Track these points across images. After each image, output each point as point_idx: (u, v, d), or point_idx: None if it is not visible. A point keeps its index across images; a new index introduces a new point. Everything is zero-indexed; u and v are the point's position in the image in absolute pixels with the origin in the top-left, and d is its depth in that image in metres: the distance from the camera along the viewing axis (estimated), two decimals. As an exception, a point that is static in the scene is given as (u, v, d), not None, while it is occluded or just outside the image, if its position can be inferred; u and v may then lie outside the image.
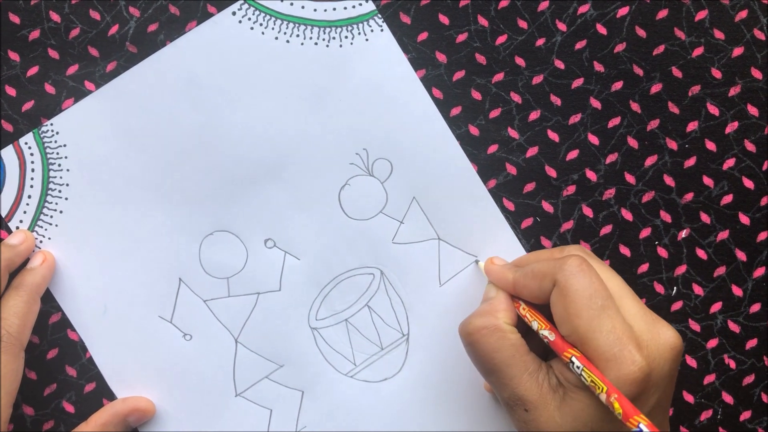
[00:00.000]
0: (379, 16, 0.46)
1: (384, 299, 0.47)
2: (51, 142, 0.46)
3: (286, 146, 0.46)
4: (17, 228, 0.46)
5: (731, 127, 0.47)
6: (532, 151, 0.47)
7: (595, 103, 0.47)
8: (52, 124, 0.46)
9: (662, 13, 0.47)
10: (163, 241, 0.46)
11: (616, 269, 0.42)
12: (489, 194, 0.47)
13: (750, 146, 0.47)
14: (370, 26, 0.46)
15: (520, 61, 0.47)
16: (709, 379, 0.47)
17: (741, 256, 0.47)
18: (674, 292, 0.47)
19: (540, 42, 0.47)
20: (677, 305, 0.47)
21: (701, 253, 0.47)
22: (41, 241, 0.46)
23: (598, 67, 0.47)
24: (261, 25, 0.46)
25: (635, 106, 0.47)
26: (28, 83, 0.46)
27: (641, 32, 0.47)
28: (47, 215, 0.46)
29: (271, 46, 0.46)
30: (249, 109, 0.46)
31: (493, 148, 0.47)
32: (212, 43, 0.46)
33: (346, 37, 0.46)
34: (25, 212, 0.46)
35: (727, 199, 0.47)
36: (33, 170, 0.46)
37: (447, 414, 0.47)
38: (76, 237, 0.46)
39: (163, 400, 0.46)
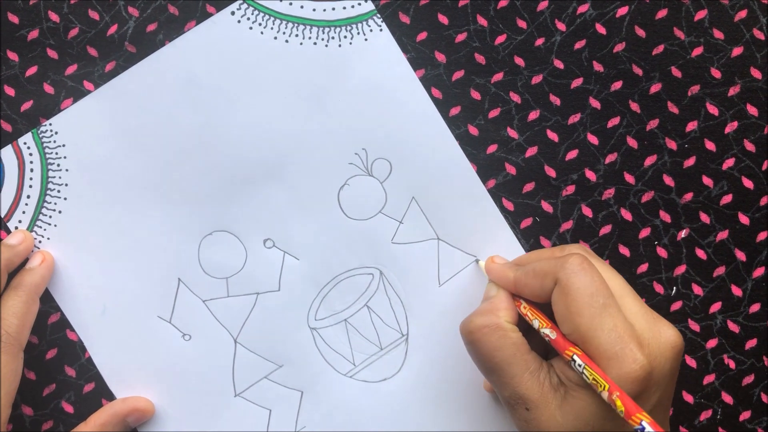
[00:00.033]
0: (378, 15, 0.46)
1: (383, 299, 0.47)
2: (50, 142, 0.46)
3: (285, 146, 0.46)
4: (16, 228, 0.46)
5: (731, 127, 0.47)
6: (531, 151, 0.47)
7: (595, 103, 0.47)
8: (51, 124, 0.46)
9: (662, 13, 0.47)
10: (162, 241, 0.46)
11: (615, 269, 0.41)
12: (488, 194, 0.47)
13: (749, 146, 0.47)
14: (369, 26, 0.46)
15: (519, 61, 0.47)
16: (709, 379, 0.47)
17: (740, 256, 0.47)
18: (674, 292, 0.47)
19: (539, 42, 0.47)
20: (677, 305, 0.47)
21: (701, 253, 0.47)
22: (40, 241, 0.46)
23: (598, 66, 0.47)
24: (260, 24, 0.46)
25: (635, 106, 0.47)
26: (27, 83, 0.46)
27: (641, 32, 0.47)
28: (46, 215, 0.46)
29: (270, 46, 0.46)
30: (248, 109, 0.46)
31: (492, 148, 0.47)
32: (211, 43, 0.46)
33: (345, 36, 0.46)
34: (24, 212, 0.46)
35: (727, 199, 0.47)
36: (32, 170, 0.46)
37: (446, 414, 0.47)
38: (75, 237, 0.46)
39: (163, 401, 0.46)
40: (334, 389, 0.47)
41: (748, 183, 0.47)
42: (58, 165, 0.46)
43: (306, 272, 0.47)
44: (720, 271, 0.47)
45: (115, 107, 0.46)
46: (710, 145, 0.47)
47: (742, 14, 0.47)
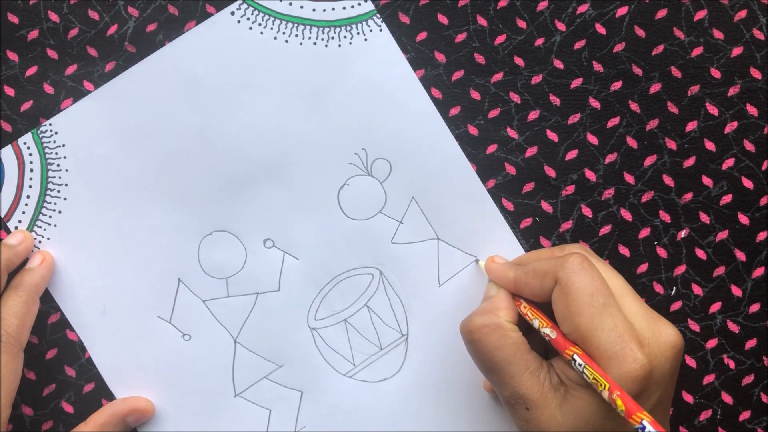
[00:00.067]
0: (378, 15, 0.46)
1: (383, 299, 0.47)
2: (50, 142, 0.46)
3: (285, 146, 0.46)
4: (16, 228, 0.46)
5: (730, 127, 0.47)
6: (531, 151, 0.47)
7: (594, 103, 0.47)
8: (50, 124, 0.46)
9: (661, 13, 0.47)
10: (162, 242, 0.46)
11: (615, 269, 0.41)
12: (488, 194, 0.47)
13: (749, 146, 0.47)
14: (369, 26, 0.46)
15: (519, 61, 0.47)
16: (709, 379, 0.47)
17: (740, 256, 0.47)
18: (673, 292, 0.47)
19: (539, 42, 0.47)
20: (676, 305, 0.47)
21: (700, 253, 0.47)
22: (40, 241, 0.46)
23: (597, 66, 0.47)
24: (260, 25, 0.46)
25: (634, 106, 0.47)
26: (27, 83, 0.46)
27: (640, 32, 0.47)
28: (46, 215, 0.46)
29: (270, 46, 0.46)
30: (248, 109, 0.46)
31: (492, 148, 0.47)
32: (211, 43, 0.46)
33: (345, 37, 0.46)
34: (24, 212, 0.46)
35: (727, 199, 0.47)
36: (32, 170, 0.46)
37: (446, 414, 0.47)
38: (75, 237, 0.46)
39: (162, 401, 0.46)
40: (334, 389, 0.47)
41: (747, 183, 0.47)
42: (58, 165, 0.46)
43: (306, 272, 0.47)
44: (720, 271, 0.47)
45: (115, 107, 0.46)
46: (710, 145, 0.47)
47: (742, 14, 0.47)
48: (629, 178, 0.47)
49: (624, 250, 0.47)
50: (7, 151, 0.46)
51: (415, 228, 0.47)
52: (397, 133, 0.46)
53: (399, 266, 0.47)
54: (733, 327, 0.47)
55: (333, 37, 0.46)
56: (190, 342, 0.46)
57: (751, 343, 0.47)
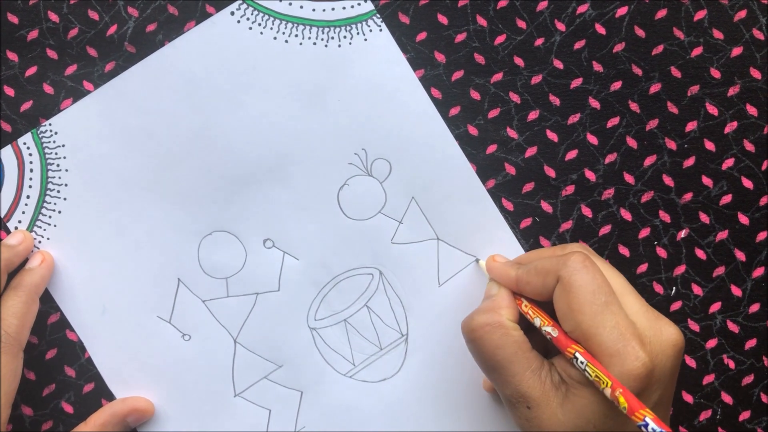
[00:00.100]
0: (378, 16, 0.46)
1: (383, 299, 0.47)
2: (49, 142, 0.46)
3: (284, 146, 0.46)
4: (16, 228, 0.46)
5: (730, 127, 0.47)
6: (531, 151, 0.47)
7: (594, 103, 0.47)
8: (50, 125, 0.46)
9: (661, 13, 0.47)
10: (162, 242, 0.46)
11: (615, 268, 0.42)
12: (488, 194, 0.47)
13: (749, 146, 0.47)
14: (369, 26, 0.46)
15: (518, 61, 0.47)
16: (709, 379, 0.47)
17: (740, 256, 0.47)
18: (673, 292, 0.47)
19: (539, 42, 0.47)
20: (676, 305, 0.47)
21: (700, 253, 0.47)
22: (40, 242, 0.46)
23: (597, 66, 0.47)
24: (260, 25, 0.46)
25: (634, 106, 0.47)
26: (27, 83, 0.46)
27: (640, 32, 0.47)
28: (46, 215, 0.46)
29: (270, 46, 0.46)
30: (248, 109, 0.46)
31: (492, 148, 0.47)
32: (211, 43, 0.46)
33: (345, 37, 0.46)
34: (23, 212, 0.46)
35: (726, 199, 0.47)
36: (32, 170, 0.46)
37: (446, 414, 0.47)
38: (75, 237, 0.46)
39: (162, 401, 0.46)
40: (333, 389, 0.47)
41: (747, 183, 0.47)
42: (58, 165, 0.46)
43: (306, 272, 0.47)
44: (720, 271, 0.47)
45: (115, 107, 0.46)
46: (710, 145, 0.47)
47: (742, 14, 0.47)
48: (629, 178, 0.47)
49: (624, 250, 0.47)
50: (7, 152, 0.46)
51: (414, 228, 0.47)
52: (397, 133, 0.46)
53: (399, 266, 0.47)
54: (732, 327, 0.47)
55: (333, 37, 0.46)
56: (190, 342, 0.46)
57: (750, 343, 0.47)
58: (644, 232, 0.47)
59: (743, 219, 0.47)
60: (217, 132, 0.46)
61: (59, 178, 0.46)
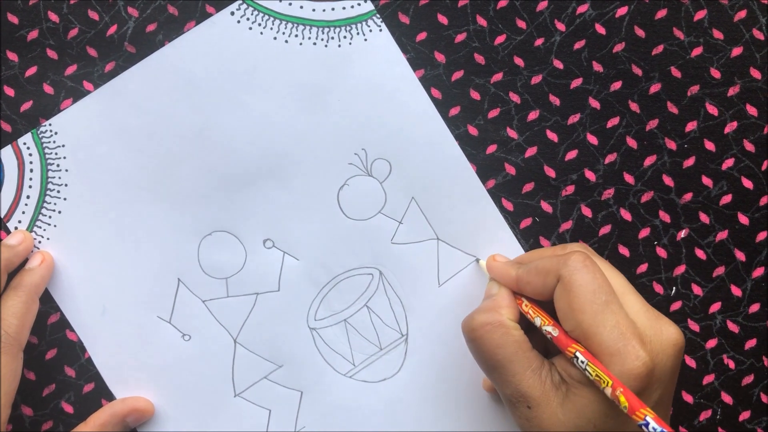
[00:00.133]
0: (378, 16, 0.46)
1: (383, 299, 0.47)
2: (49, 142, 0.46)
3: (284, 146, 0.46)
4: (16, 228, 0.46)
5: (730, 127, 0.47)
6: (531, 151, 0.47)
7: (594, 103, 0.47)
8: (50, 125, 0.46)
9: (661, 13, 0.47)
10: (162, 242, 0.46)
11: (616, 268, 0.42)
12: (488, 194, 0.47)
13: (749, 146, 0.47)
14: (369, 26, 0.46)
15: (518, 61, 0.47)
16: (708, 379, 0.47)
17: (740, 256, 0.47)
18: (673, 292, 0.47)
19: (539, 42, 0.47)
20: (676, 305, 0.47)
21: (700, 253, 0.47)
22: (40, 242, 0.46)
23: (597, 67, 0.47)
24: (260, 25, 0.46)
25: (634, 106, 0.47)
26: (27, 83, 0.46)
27: (640, 32, 0.47)
28: (46, 215, 0.46)
29: (270, 46, 0.46)
30: (248, 109, 0.46)
31: (491, 148, 0.47)
32: (211, 44, 0.46)
33: (345, 37, 0.46)
34: (23, 212, 0.46)
35: (726, 199, 0.47)
36: (32, 170, 0.46)
37: (446, 414, 0.47)
38: (75, 237, 0.46)
39: (162, 401, 0.46)
40: (333, 389, 0.47)
41: (747, 183, 0.47)
42: (58, 165, 0.46)
43: (306, 272, 0.47)
44: (719, 271, 0.47)
45: (115, 107, 0.46)
46: (710, 145, 0.47)
47: (742, 14, 0.47)
48: (629, 178, 0.47)
49: (624, 250, 0.47)
50: (7, 152, 0.46)
51: (414, 228, 0.47)
52: (397, 133, 0.46)
53: (399, 266, 0.47)
54: (732, 327, 0.47)
55: (333, 37, 0.46)
56: (189, 342, 0.46)
57: (750, 343, 0.47)
58: (644, 232, 0.47)
59: (743, 219, 0.47)
60: (217, 132, 0.46)
61: (59, 178, 0.46)
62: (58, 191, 0.46)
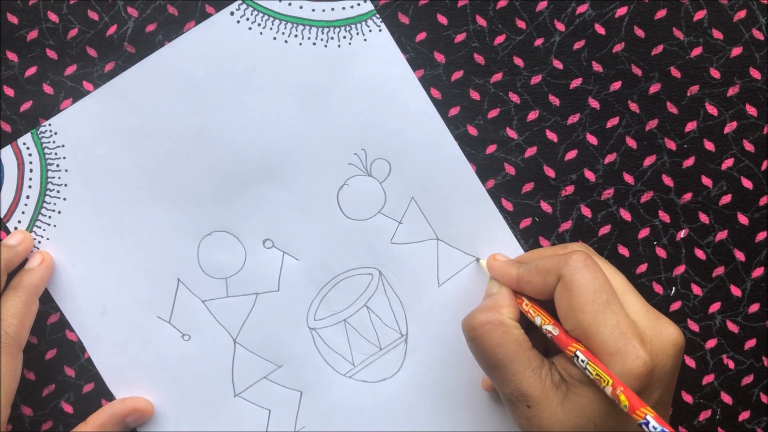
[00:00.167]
0: (378, 16, 0.46)
1: (382, 299, 0.47)
2: (49, 142, 0.46)
3: (284, 146, 0.46)
4: (15, 228, 0.46)
5: (730, 127, 0.47)
6: (530, 151, 0.47)
7: (594, 103, 0.47)
8: (50, 125, 0.46)
9: (661, 13, 0.47)
10: (162, 242, 0.46)
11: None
12: (487, 194, 0.47)
13: (749, 146, 0.47)
14: (369, 26, 0.46)
15: (518, 61, 0.47)
16: (708, 379, 0.47)
17: (740, 256, 0.47)
18: (673, 292, 0.47)
19: (538, 42, 0.47)
20: (676, 305, 0.47)
21: (700, 254, 0.47)
22: (39, 242, 0.46)
23: (597, 67, 0.47)
24: (259, 25, 0.46)
25: (634, 106, 0.47)
26: (27, 83, 0.46)
27: (640, 32, 0.47)
28: (45, 215, 0.46)
29: (270, 46, 0.46)
30: (247, 109, 0.46)
31: (491, 149, 0.47)
32: (210, 44, 0.46)
33: (345, 37, 0.46)
34: (23, 212, 0.46)
35: (726, 199, 0.47)
36: (31, 170, 0.46)
37: (445, 414, 0.47)
38: (75, 237, 0.46)
39: (162, 401, 0.46)
40: (333, 389, 0.47)
41: (747, 183, 0.47)
42: (58, 165, 0.46)
43: (305, 272, 0.47)
44: (719, 271, 0.47)
45: (115, 107, 0.46)
46: (709, 146, 0.47)
47: (741, 14, 0.47)
48: (629, 179, 0.47)
49: (623, 251, 0.47)
50: (7, 152, 0.46)
51: (414, 228, 0.47)
52: (397, 134, 0.46)
53: (398, 266, 0.47)
54: (732, 327, 0.47)
55: (332, 38, 0.46)
56: (189, 342, 0.46)
57: (750, 343, 0.47)
58: (644, 232, 0.47)
59: (743, 219, 0.47)
60: (217, 132, 0.46)
61: (59, 178, 0.46)
62: (58, 191, 0.46)
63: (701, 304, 0.47)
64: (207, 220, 0.46)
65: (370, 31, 0.46)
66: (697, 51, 0.47)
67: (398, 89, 0.46)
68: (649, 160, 0.47)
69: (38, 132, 0.46)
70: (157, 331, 0.46)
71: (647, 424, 0.34)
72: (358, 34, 0.46)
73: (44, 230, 0.46)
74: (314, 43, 0.46)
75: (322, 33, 0.46)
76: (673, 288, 0.47)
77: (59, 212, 0.46)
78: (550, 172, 0.47)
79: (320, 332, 0.47)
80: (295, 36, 0.46)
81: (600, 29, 0.47)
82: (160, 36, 0.46)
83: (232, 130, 0.46)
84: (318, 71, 0.46)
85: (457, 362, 0.46)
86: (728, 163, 0.47)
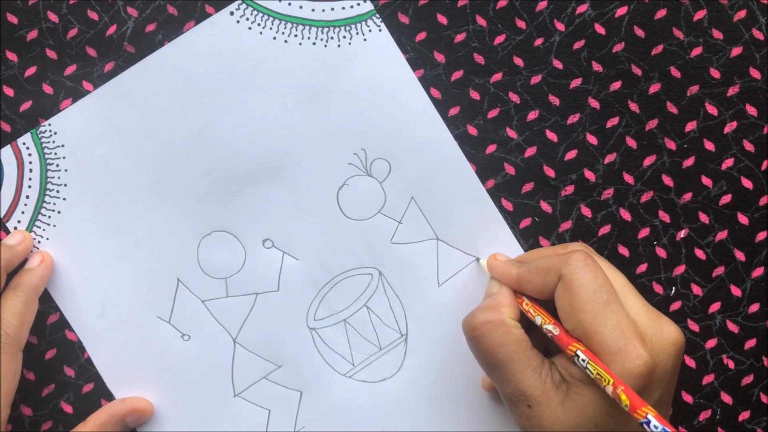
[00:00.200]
0: (378, 16, 0.46)
1: (382, 299, 0.47)
2: (49, 142, 0.46)
3: (284, 146, 0.46)
4: (15, 228, 0.46)
5: (730, 127, 0.47)
6: (530, 151, 0.47)
7: (594, 103, 0.47)
8: (50, 125, 0.46)
9: (661, 13, 0.47)
10: (162, 242, 0.46)
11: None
12: (487, 194, 0.47)
13: (749, 146, 0.47)
14: (368, 26, 0.46)
15: (518, 61, 0.47)
16: (708, 379, 0.47)
17: (740, 256, 0.47)
18: (673, 292, 0.47)
19: (538, 42, 0.47)
20: (676, 305, 0.47)
21: (700, 253, 0.47)
22: (39, 242, 0.46)
23: (597, 67, 0.47)
24: (259, 25, 0.46)
25: (634, 106, 0.47)
26: (26, 83, 0.46)
27: (640, 32, 0.47)
28: (45, 215, 0.46)
29: (269, 46, 0.46)
30: (247, 109, 0.46)
31: (491, 148, 0.47)
32: (210, 43, 0.46)
33: (345, 37, 0.46)
34: (23, 212, 0.46)
35: (726, 199, 0.47)
36: (31, 170, 0.46)
37: (445, 414, 0.47)
38: (74, 237, 0.46)
39: (162, 401, 0.46)
40: (333, 389, 0.47)
41: (747, 183, 0.47)
42: (57, 165, 0.46)
43: (305, 272, 0.47)
44: (719, 271, 0.47)
45: (114, 107, 0.46)
46: (709, 145, 0.47)
47: (741, 14, 0.47)
48: (628, 178, 0.47)
49: (623, 250, 0.47)
50: (7, 152, 0.46)
51: (414, 228, 0.47)
52: (397, 133, 0.46)
53: (398, 266, 0.47)
54: (732, 327, 0.47)
55: (332, 37, 0.46)
56: (189, 342, 0.46)
57: (750, 343, 0.47)
58: (644, 232, 0.47)
59: (743, 219, 0.47)
60: (216, 132, 0.46)
61: (59, 178, 0.46)
62: (58, 191, 0.46)
63: (701, 304, 0.47)
64: (207, 220, 0.46)
65: (370, 31, 0.46)
66: (697, 51, 0.47)
67: (398, 89, 0.46)
68: (649, 160, 0.47)
69: (38, 132, 0.46)
70: (156, 331, 0.46)
71: (648, 423, 0.34)
72: (358, 34, 0.46)
73: (44, 230, 0.46)
74: (314, 43, 0.46)
75: (322, 33, 0.46)
76: (673, 288, 0.47)
77: (59, 212, 0.46)
78: (550, 172, 0.47)
79: (320, 332, 0.47)
80: (295, 36, 0.46)
81: (600, 29, 0.47)
82: (160, 36, 0.46)
83: (232, 130, 0.46)
84: (318, 71, 0.46)
85: (457, 362, 0.46)
86: (728, 163, 0.47)
